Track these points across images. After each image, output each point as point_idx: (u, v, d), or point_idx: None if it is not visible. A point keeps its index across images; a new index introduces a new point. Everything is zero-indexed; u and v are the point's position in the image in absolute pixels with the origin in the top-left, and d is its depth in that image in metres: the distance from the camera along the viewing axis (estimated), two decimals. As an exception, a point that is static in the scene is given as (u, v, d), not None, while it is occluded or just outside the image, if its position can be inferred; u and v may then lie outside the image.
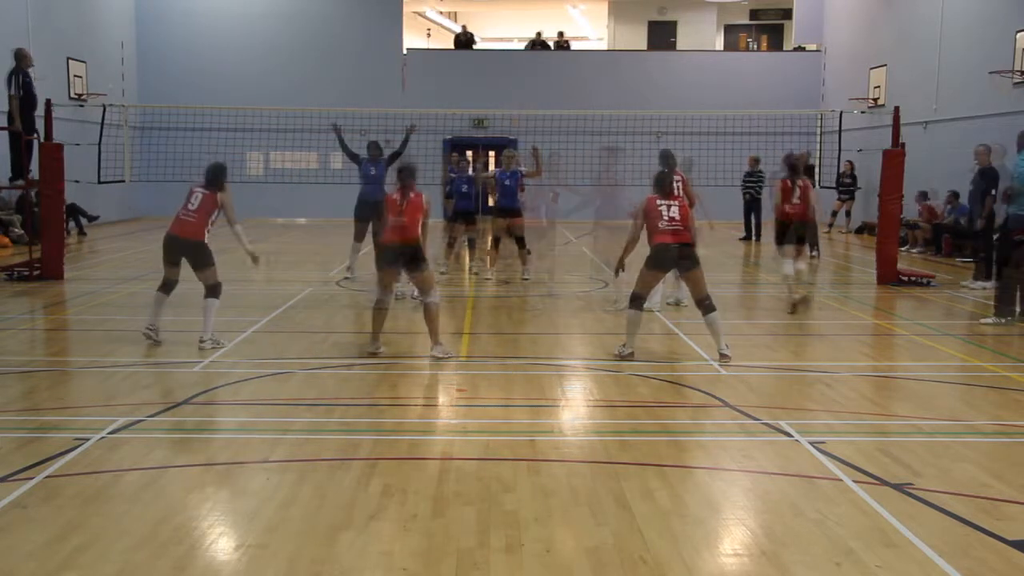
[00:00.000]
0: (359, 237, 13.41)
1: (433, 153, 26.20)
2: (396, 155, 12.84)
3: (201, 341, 8.89)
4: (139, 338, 8.98)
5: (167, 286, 9.13)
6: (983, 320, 10.73)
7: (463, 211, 14.40)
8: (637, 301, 8.57)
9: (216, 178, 9.08)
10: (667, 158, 10.59)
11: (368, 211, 12.79)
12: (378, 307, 8.69)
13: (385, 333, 9.75)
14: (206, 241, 9.00)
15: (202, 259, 9.03)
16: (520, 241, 13.78)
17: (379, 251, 9.15)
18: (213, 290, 9.03)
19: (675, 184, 9.60)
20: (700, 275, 8.53)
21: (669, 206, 8.54)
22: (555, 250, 16.57)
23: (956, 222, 18.24)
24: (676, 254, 8.45)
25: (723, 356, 8.42)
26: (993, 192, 13.70)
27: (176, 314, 10.67)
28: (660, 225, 8.46)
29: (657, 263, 8.54)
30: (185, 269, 9.03)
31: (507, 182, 13.70)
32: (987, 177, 14.19)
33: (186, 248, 8.99)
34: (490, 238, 14.45)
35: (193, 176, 9.01)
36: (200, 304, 9.01)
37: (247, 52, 27.30)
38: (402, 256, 8.54)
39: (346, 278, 13.69)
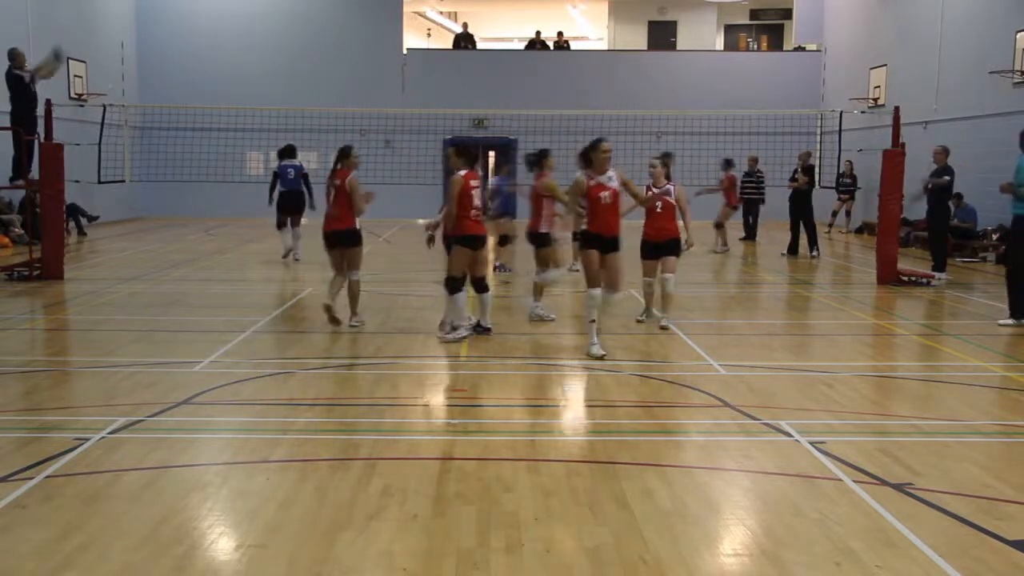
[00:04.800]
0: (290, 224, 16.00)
1: (433, 153, 26.29)
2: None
3: None
4: (139, 338, 8.99)
5: None
6: (1000, 322, 10.48)
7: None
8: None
9: None
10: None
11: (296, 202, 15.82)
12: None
13: (385, 333, 9.76)
14: None
15: None
16: None
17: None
18: None
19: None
20: None
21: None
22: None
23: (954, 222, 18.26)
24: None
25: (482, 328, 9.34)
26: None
27: (176, 314, 10.68)
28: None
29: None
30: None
31: None
32: (945, 175, 14.71)
33: None
34: None
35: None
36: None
37: (247, 52, 27.29)
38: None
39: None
